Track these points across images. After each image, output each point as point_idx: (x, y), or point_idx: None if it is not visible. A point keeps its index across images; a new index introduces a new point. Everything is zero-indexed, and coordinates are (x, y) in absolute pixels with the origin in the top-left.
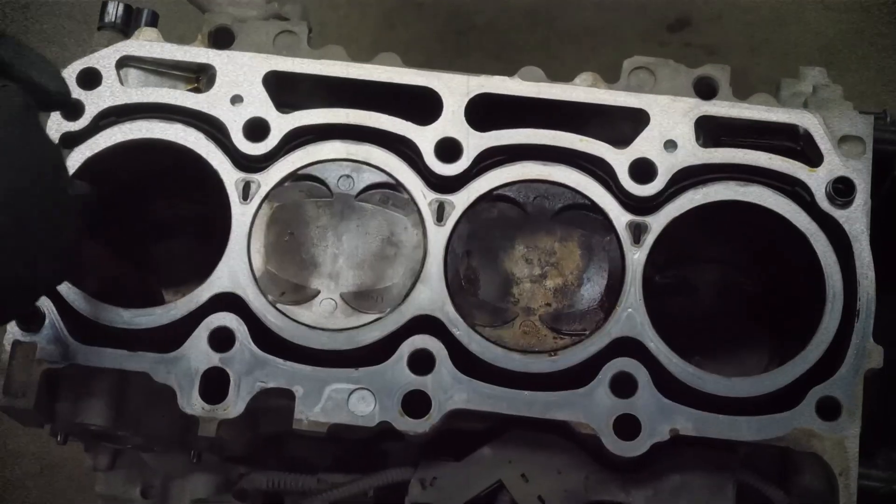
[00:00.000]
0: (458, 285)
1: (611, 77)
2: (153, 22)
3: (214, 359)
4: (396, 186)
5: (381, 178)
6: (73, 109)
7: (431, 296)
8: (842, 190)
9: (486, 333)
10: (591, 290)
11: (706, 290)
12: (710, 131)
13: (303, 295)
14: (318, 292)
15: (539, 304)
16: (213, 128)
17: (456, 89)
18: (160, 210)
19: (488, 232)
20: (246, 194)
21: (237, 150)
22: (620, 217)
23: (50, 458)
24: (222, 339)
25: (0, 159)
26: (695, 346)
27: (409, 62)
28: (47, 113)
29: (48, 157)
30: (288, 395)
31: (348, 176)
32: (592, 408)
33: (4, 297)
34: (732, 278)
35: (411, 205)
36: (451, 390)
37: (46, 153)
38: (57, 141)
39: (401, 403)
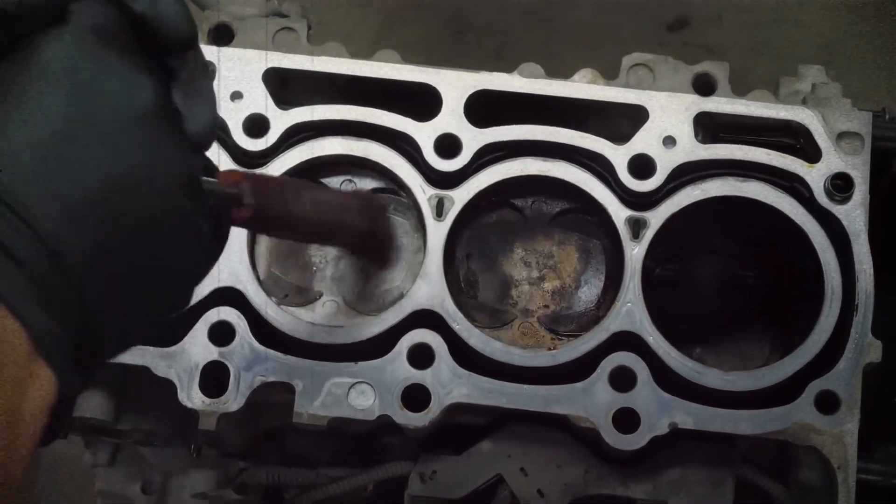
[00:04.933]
0: (458, 288)
1: (610, 75)
2: None
3: (214, 353)
4: (397, 190)
5: (382, 182)
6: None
7: (431, 291)
8: (840, 186)
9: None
10: (588, 293)
11: (707, 282)
12: (709, 128)
13: (306, 297)
14: (322, 294)
15: (537, 305)
16: None
17: (455, 85)
18: None
19: (488, 235)
20: None
21: (237, 146)
22: (619, 213)
23: (50, 455)
24: (222, 334)
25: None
26: (696, 338)
27: (409, 61)
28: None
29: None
30: (288, 389)
31: (350, 181)
32: (592, 402)
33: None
34: (734, 271)
35: (412, 209)
36: (450, 384)
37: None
38: None
39: (400, 397)
